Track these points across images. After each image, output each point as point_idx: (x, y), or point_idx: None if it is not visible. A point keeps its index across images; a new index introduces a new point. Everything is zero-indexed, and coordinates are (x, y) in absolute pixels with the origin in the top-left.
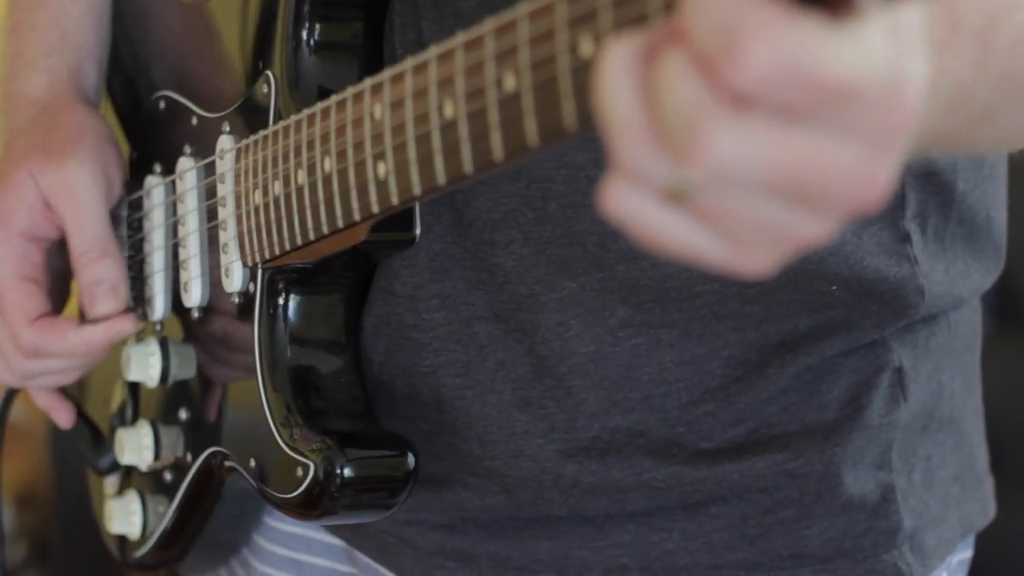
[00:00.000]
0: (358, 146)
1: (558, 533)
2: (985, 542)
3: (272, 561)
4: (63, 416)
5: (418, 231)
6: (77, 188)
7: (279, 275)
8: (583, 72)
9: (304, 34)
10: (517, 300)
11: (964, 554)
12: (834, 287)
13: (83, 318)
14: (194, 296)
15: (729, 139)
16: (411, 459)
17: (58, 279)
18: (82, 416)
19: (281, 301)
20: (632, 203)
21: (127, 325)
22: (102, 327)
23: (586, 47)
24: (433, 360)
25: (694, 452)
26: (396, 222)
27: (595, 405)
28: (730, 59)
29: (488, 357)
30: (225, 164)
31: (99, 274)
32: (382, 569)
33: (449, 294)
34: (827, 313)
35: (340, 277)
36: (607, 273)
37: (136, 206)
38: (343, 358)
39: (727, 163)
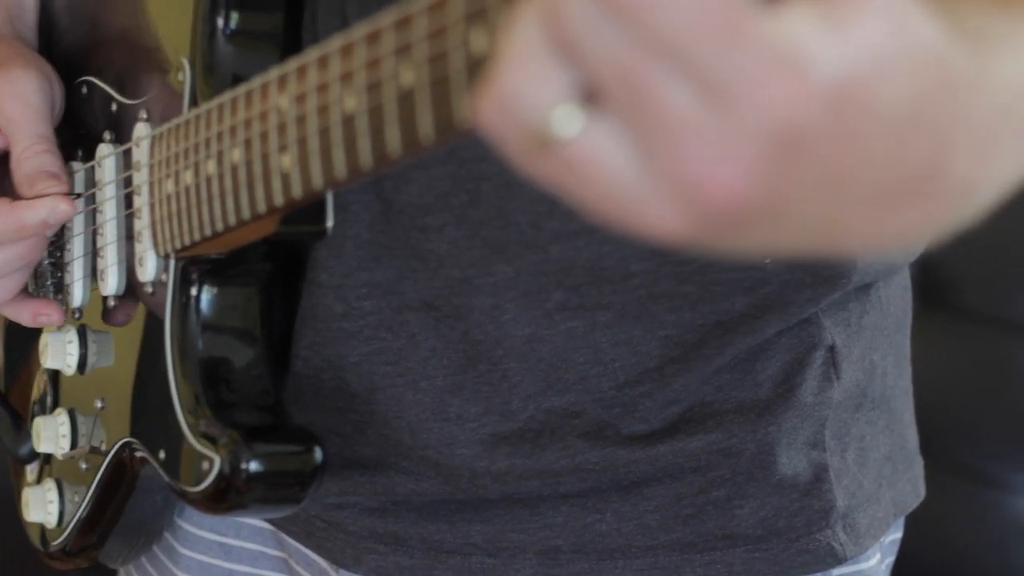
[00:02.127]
0: (263, 137)
1: (491, 516)
2: (912, 523)
3: (198, 546)
4: (53, 312)
5: (330, 223)
6: (24, 92)
7: (192, 265)
8: (477, 68)
9: (220, 21)
10: (451, 285)
11: (895, 535)
12: (767, 259)
13: None
14: (110, 284)
15: (580, 6)
16: (319, 454)
17: None
18: (4, 403)
19: (194, 291)
20: (505, 123)
21: (64, 205)
22: (38, 201)
23: (479, 43)
24: (363, 349)
25: (628, 434)
26: (307, 214)
27: (530, 387)
28: None
29: (420, 344)
30: (141, 152)
31: (41, 163)
32: (311, 554)
33: (379, 282)
34: (762, 290)
35: (256, 269)
36: (541, 255)
37: None
38: (255, 351)
39: (576, 28)
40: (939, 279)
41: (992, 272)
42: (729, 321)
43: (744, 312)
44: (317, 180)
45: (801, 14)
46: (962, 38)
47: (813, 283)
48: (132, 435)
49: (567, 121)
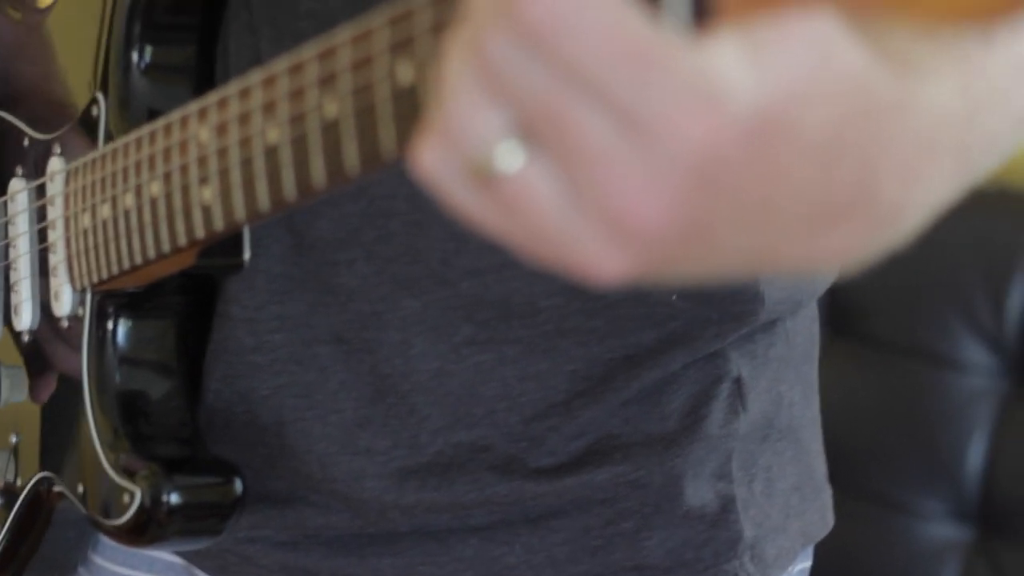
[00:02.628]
0: (183, 169)
1: (401, 549)
2: (823, 551)
3: None
4: None
5: (247, 255)
6: None
7: (109, 299)
8: (403, 99)
9: (135, 56)
10: (360, 319)
11: (804, 563)
12: (674, 296)
13: None
14: (24, 319)
15: (502, 43)
16: (238, 485)
17: None
18: None
19: (110, 325)
20: (441, 168)
21: None
22: None
23: (405, 74)
24: (273, 382)
25: (536, 467)
26: (224, 247)
27: (438, 421)
28: None
29: (330, 378)
30: (55, 186)
31: None
32: None
33: (290, 315)
34: (669, 325)
35: (171, 301)
36: (451, 290)
37: None
38: (172, 383)
39: (495, 64)
40: (846, 306)
41: (899, 299)
42: (636, 355)
43: (651, 346)
44: (239, 212)
45: (723, 44)
46: (887, 63)
47: (720, 319)
48: (49, 469)
49: (507, 157)
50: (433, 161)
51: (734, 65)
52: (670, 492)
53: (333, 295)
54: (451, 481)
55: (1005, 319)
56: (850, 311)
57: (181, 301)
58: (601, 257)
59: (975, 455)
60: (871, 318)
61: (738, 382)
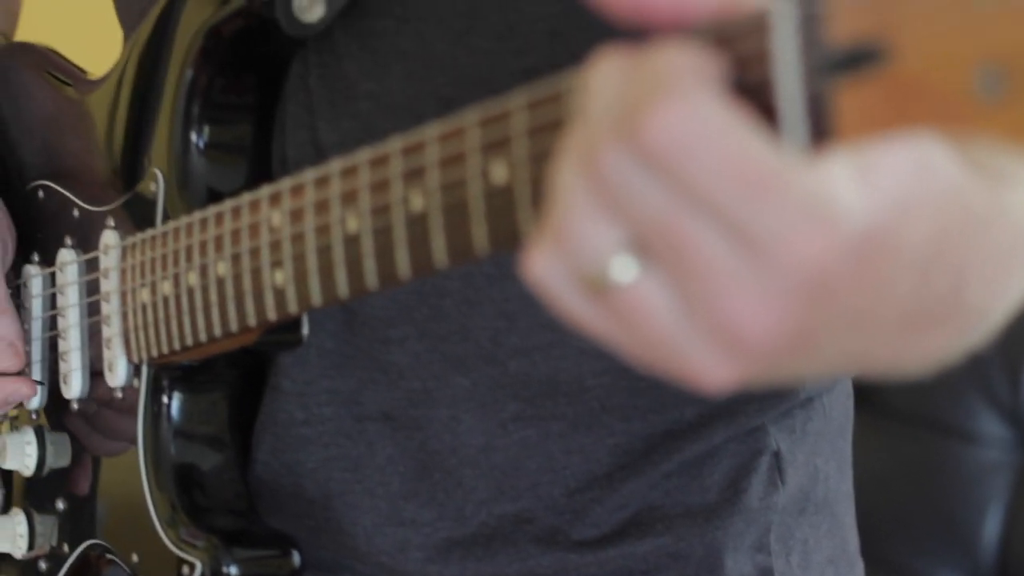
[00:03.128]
0: (254, 252)
1: None
2: None
3: None
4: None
5: (305, 331)
6: None
7: (164, 372)
8: (496, 197)
9: (193, 136)
10: (410, 396)
11: None
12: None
13: None
14: (74, 388)
15: (620, 160)
16: (296, 558)
17: None
18: None
19: (165, 399)
20: (554, 277)
21: (26, 389)
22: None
23: (499, 173)
24: (321, 455)
25: (579, 539)
26: (284, 325)
27: (483, 493)
28: (647, 118)
29: (377, 453)
30: (110, 260)
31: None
32: None
33: (340, 391)
34: (711, 401)
35: (223, 375)
36: (500, 369)
37: (12, 295)
38: (226, 455)
39: (615, 182)
40: (864, 378)
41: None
42: (678, 430)
43: (693, 421)
44: (316, 298)
45: (837, 165)
46: (980, 176)
47: (761, 395)
48: (100, 537)
49: (620, 269)
50: (544, 268)
51: (846, 185)
52: (710, 564)
53: (383, 372)
54: (494, 552)
55: (1021, 392)
56: (868, 383)
57: (233, 374)
58: (711, 367)
59: (992, 527)
60: (888, 390)
61: (777, 456)
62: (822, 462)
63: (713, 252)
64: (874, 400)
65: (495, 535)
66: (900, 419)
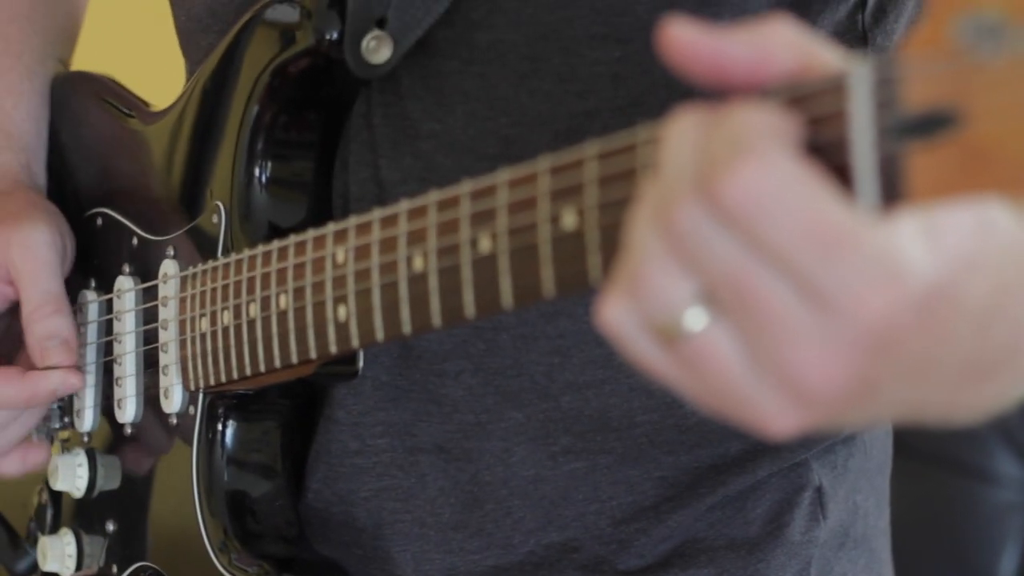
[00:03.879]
0: (317, 287)
1: None
2: None
3: None
4: (35, 455)
5: (361, 364)
6: (34, 246)
7: (219, 400)
8: (564, 242)
9: (257, 170)
10: (463, 429)
11: None
12: None
13: None
14: (128, 413)
15: (695, 215)
16: None
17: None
18: (2, 521)
19: (220, 426)
20: (626, 323)
21: (75, 379)
22: (50, 374)
23: (569, 220)
24: (374, 485)
25: (624, 568)
26: (342, 357)
27: (532, 523)
28: (724, 177)
29: (429, 484)
30: (169, 289)
31: (52, 328)
32: None
33: (394, 422)
34: (756, 438)
35: (277, 404)
36: (552, 404)
37: None
38: (278, 483)
39: (689, 237)
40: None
41: None
42: (723, 464)
43: (738, 456)
44: (379, 333)
45: (906, 225)
46: None
47: (806, 433)
48: (150, 560)
49: (691, 319)
50: (617, 315)
51: (914, 244)
52: None
53: (438, 405)
54: None
55: None
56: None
57: (286, 404)
58: (777, 415)
59: (1008, 566)
60: (907, 430)
61: (819, 491)
62: (862, 498)
63: (783, 305)
64: (894, 440)
65: (542, 564)
66: (918, 458)
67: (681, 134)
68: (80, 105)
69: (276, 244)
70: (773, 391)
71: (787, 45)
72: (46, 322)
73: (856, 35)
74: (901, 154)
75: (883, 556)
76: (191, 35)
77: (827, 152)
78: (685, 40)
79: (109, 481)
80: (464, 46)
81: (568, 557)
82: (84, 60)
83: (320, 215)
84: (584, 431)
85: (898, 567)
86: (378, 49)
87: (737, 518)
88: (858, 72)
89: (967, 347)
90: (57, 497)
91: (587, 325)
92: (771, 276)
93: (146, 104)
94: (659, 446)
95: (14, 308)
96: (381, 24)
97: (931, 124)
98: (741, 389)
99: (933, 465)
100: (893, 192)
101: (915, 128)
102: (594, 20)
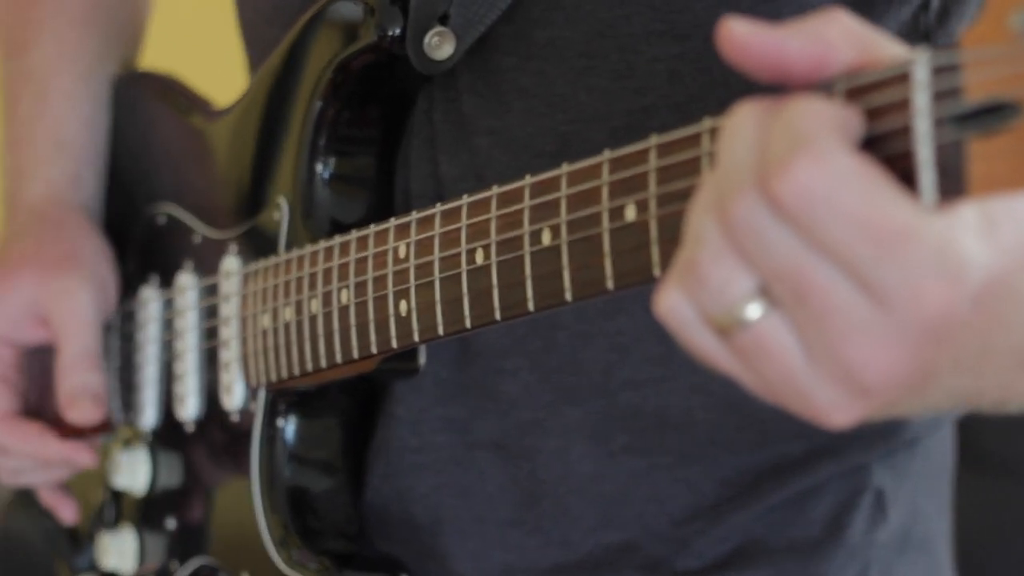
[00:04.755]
0: (379, 281)
1: None
2: None
3: None
4: (66, 513)
5: (422, 361)
6: (75, 301)
7: (280, 397)
8: (625, 234)
9: (319, 166)
10: (521, 426)
11: None
12: None
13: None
14: (190, 410)
15: (753, 210)
16: None
17: (34, 386)
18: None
19: (281, 423)
20: (683, 313)
21: (86, 459)
22: (58, 446)
23: (629, 212)
24: (432, 482)
25: (683, 568)
26: (403, 354)
27: (590, 521)
28: (781, 174)
29: (488, 481)
30: (231, 285)
31: (85, 383)
32: None
33: (453, 418)
34: (818, 439)
35: (337, 400)
36: (610, 401)
37: (128, 316)
38: (338, 480)
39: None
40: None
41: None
42: (784, 465)
43: (799, 458)
44: (440, 327)
45: (964, 219)
46: None
47: (868, 434)
48: (210, 556)
49: (749, 312)
50: (675, 305)
51: (972, 237)
52: None
53: (495, 402)
54: None
55: None
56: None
57: (347, 400)
58: (835, 405)
59: None
60: (975, 440)
61: (880, 494)
62: (923, 502)
63: (842, 300)
64: (962, 451)
65: (601, 563)
66: (988, 470)
67: (741, 126)
68: (142, 105)
69: (338, 239)
70: (831, 382)
71: (848, 39)
72: (80, 376)
73: (919, 36)
74: (961, 145)
75: (943, 560)
76: (255, 28)
77: (888, 143)
78: (744, 37)
79: (170, 478)
80: (523, 43)
81: (626, 557)
82: (148, 58)
83: (382, 212)
84: (643, 429)
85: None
86: (440, 45)
87: (797, 520)
88: (921, 61)
89: (1020, 336)
90: (118, 494)
91: (645, 323)
92: (829, 270)
93: (208, 102)
94: (719, 445)
95: (48, 353)
96: (443, 20)
97: (992, 114)
98: (798, 380)
99: (1002, 476)
100: (952, 184)
101: (976, 118)
102: (652, 17)
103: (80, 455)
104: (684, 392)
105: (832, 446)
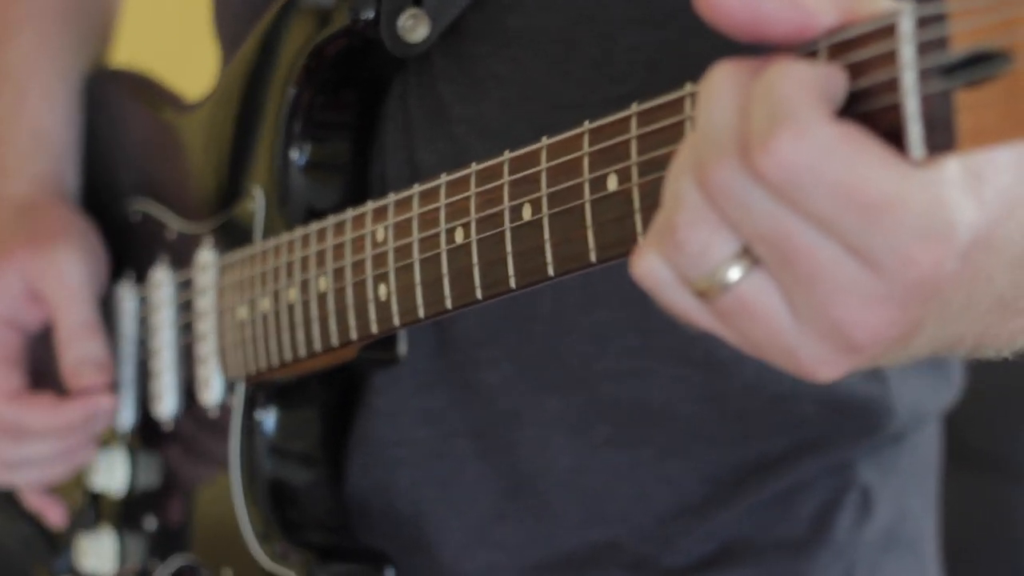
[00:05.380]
0: (357, 266)
1: None
2: None
3: None
4: (54, 515)
5: (403, 351)
6: (66, 273)
7: (259, 390)
8: (606, 203)
9: (294, 153)
10: (500, 417)
11: None
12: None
13: None
14: (167, 407)
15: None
16: (390, 573)
17: (39, 368)
18: (33, 521)
19: (260, 415)
20: (661, 275)
21: (107, 403)
22: (81, 401)
23: (611, 182)
24: (412, 475)
25: (668, 567)
26: (383, 342)
27: (573, 518)
28: (763, 148)
29: (467, 471)
30: (207, 278)
31: (86, 352)
32: None
33: (431, 410)
34: (801, 433)
35: (317, 393)
36: (590, 392)
37: (106, 314)
38: (319, 472)
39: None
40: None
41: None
42: (768, 462)
43: (783, 453)
44: (420, 310)
45: (950, 175)
46: None
47: (851, 429)
48: (191, 554)
49: (728, 274)
50: (653, 268)
51: (958, 195)
52: None
53: (474, 392)
54: None
55: None
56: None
57: (327, 392)
58: (821, 360)
59: None
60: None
61: (866, 491)
62: (909, 500)
63: (830, 262)
64: (949, 447)
65: (586, 561)
66: (975, 466)
67: (719, 87)
68: (115, 102)
69: (315, 226)
70: (818, 340)
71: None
72: (80, 346)
73: None
74: (949, 96)
75: (929, 558)
76: (228, 21)
77: (874, 97)
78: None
79: (149, 478)
80: (497, 29)
81: (612, 555)
82: (121, 55)
83: (358, 198)
84: (624, 421)
85: (949, 570)
86: (415, 27)
87: (783, 518)
88: (906, 12)
89: (1001, 284)
90: (97, 495)
91: (624, 314)
92: (816, 235)
93: (180, 97)
94: (702, 440)
95: (47, 332)
96: (417, 3)
97: (978, 64)
98: (784, 338)
99: (988, 473)
100: (940, 136)
101: (963, 68)
102: (630, 4)
103: (100, 403)
104: (665, 384)
105: (815, 441)
